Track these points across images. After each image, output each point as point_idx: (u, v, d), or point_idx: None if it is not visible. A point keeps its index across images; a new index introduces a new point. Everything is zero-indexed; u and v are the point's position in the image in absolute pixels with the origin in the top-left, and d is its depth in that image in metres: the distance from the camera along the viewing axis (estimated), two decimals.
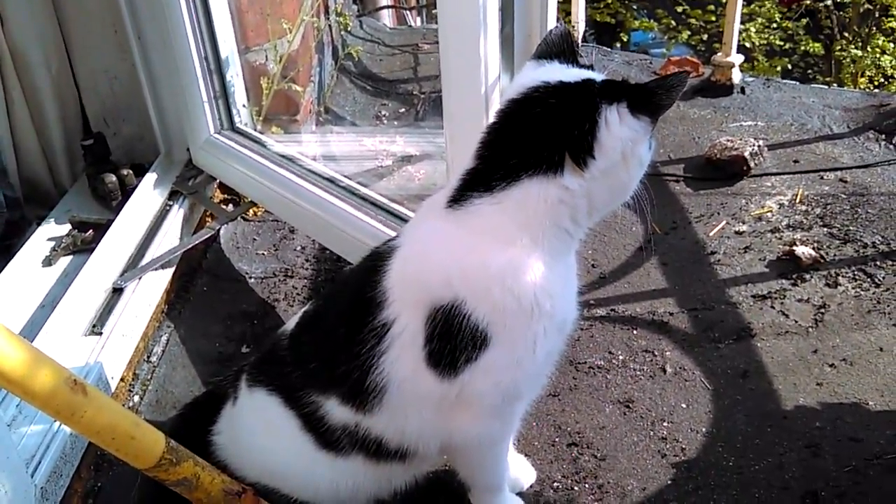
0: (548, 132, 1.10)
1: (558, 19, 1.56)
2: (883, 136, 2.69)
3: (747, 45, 7.06)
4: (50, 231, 2.23)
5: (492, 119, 1.19)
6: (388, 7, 4.57)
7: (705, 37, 7.73)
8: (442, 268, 1.14)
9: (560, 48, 1.19)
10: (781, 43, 7.46)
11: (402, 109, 3.27)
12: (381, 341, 1.17)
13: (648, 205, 1.19)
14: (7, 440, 1.27)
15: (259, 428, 1.36)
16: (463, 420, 1.23)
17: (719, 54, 3.07)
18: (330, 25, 3.35)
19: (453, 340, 1.14)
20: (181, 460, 1.16)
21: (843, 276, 2.06)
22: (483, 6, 1.42)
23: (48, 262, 2.11)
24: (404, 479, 1.37)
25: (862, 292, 2.00)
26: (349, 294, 1.29)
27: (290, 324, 1.37)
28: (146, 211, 2.25)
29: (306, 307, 1.38)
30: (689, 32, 7.90)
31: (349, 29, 3.71)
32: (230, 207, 2.49)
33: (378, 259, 1.22)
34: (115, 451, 1.08)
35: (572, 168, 1.10)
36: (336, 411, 1.25)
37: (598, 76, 1.14)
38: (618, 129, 1.09)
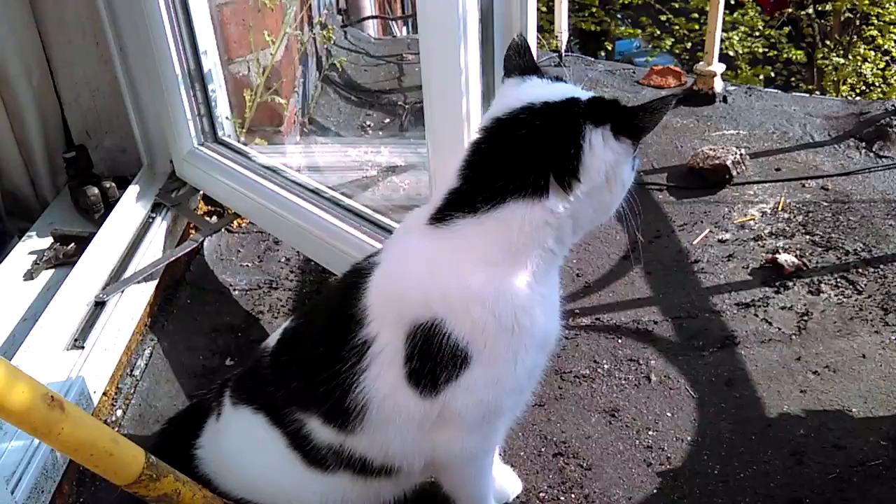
0: (533, 155, 1.10)
1: (542, 30, 1.57)
2: (863, 144, 2.71)
3: (730, 53, 7.10)
4: (32, 244, 2.22)
5: (476, 137, 1.18)
6: (372, 17, 4.57)
7: (689, 45, 7.77)
8: (421, 286, 1.14)
9: (528, 61, 1.19)
10: (765, 50, 7.51)
11: (387, 120, 3.27)
12: (361, 359, 1.16)
13: (635, 216, 1.20)
14: None
15: (245, 446, 1.35)
16: (445, 437, 1.22)
17: (701, 63, 3.10)
18: (314, 37, 3.35)
19: (433, 359, 1.13)
20: (161, 476, 1.15)
21: (825, 284, 2.08)
22: (463, 17, 1.43)
23: (30, 275, 2.09)
24: (392, 494, 1.37)
25: (844, 299, 2.02)
26: (329, 312, 1.28)
27: (273, 338, 1.36)
28: (129, 223, 2.23)
29: (286, 324, 1.37)
30: (672, 41, 7.95)
31: (333, 40, 3.71)
32: (214, 219, 2.48)
33: (358, 275, 1.22)
34: (94, 468, 1.07)
35: (557, 191, 1.10)
36: (320, 431, 1.24)
37: (581, 94, 1.14)
38: (601, 151, 1.10)
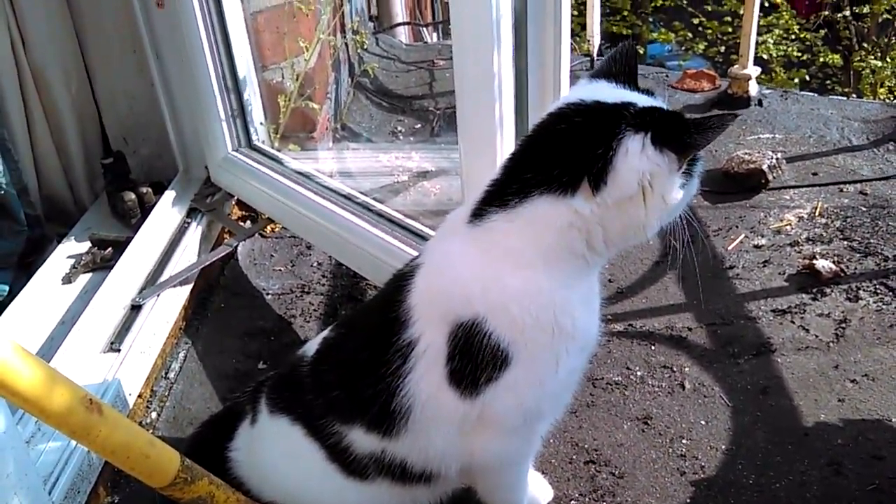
0: (564, 150, 1.08)
1: (573, 34, 1.56)
2: None
3: (765, 56, 7.01)
4: (70, 249, 2.26)
5: (527, 132, 1.18)
6: (404, 24, 4.59)
7: (722, 49, 7.69)
8: (462, 284, 1.14)
9: (620, 67, 1.15)
10: (799, 54, 7.40)
11: (418, 125, 3.28)
12: (406, 361, 1.16)
13: (684, 246, 1.18)
14: (25, 457, 1.27)
15: (283, 455, 1.35)
16: (484, 440, 1.21)
17: (736, 66, 3.06)
18: (346, 43, 3.37)
19: (475, 359, 1.13)
20: (196, 479, 1.16)
21: (864, 290, 2.04)
22: (497, 22, 1.42)
23: (68, 279, 2.13)
24: (428, 500, 1.36)
25: (884, 306, 1.98)
26: (372, 318, 1.28)
27: (311, 346, 1.36)
28: (165, 228, 2.27)
29: (325, 333, 1.37)
30: (705, 44, 7.87)
31: (365, 47, 3.74)
32: (248, 224, 2.51)
33: (400, 279, 1.21)
34: (130, 470, 1.08)
35: (585, 192, 1.07)
36: (361, 440, 1.24)
37: (642, 101, 1.09)
38: (637, 159, 1.04)
